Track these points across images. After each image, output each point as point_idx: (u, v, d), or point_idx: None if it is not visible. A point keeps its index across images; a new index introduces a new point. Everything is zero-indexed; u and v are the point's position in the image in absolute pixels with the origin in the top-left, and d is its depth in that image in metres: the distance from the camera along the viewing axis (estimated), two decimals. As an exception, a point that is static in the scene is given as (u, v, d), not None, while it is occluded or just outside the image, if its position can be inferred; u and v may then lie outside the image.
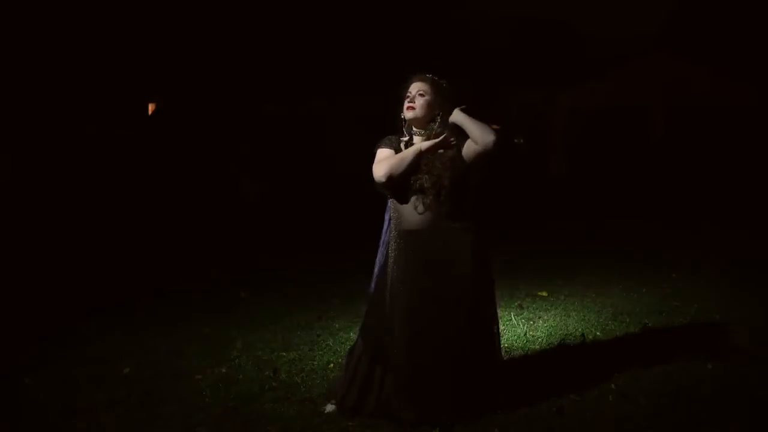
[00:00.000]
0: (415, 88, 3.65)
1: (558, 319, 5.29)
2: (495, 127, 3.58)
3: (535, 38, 22.14)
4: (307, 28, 15.24)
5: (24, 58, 12.44)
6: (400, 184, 3.60)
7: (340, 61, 15.64)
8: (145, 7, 13.82)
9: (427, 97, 3.62)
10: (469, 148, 3.55)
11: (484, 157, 3.52)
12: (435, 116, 3.64)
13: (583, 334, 4.88)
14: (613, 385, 3.88)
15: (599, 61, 19.30)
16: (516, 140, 18.21)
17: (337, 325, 5.24)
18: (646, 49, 17.99)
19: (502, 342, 4.69)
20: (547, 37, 22.30)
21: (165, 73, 14.55)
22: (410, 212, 3.62)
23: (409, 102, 3.64)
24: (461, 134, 3.58)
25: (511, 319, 5.24)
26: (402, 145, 3.69)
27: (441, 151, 3.61)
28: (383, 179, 3.58)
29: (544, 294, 6.04)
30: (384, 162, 3.62)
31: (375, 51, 16.44)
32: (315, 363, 4.41)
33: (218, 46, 14.39)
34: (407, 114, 3.64)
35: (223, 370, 4.30)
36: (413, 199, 3.61)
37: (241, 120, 14.73)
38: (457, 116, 3.58)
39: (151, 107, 15.39)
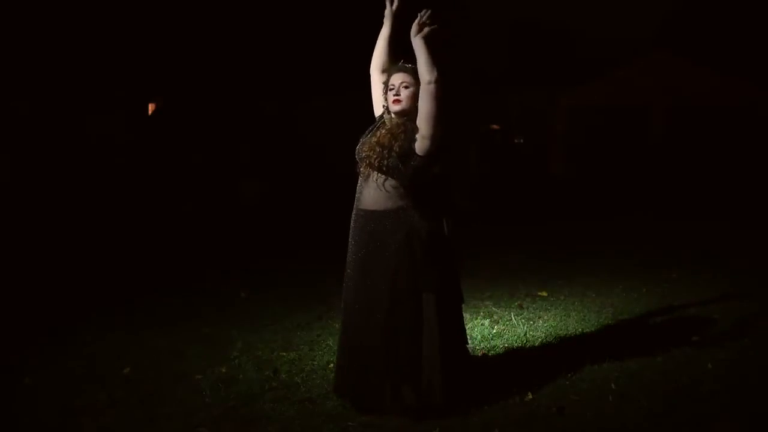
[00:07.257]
0: (398, 80, 3.57)
1: (558, 319, 5.29)
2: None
3: (535, 38, 22.15)
4: (305, 28, 15.24)
5: (23, 57, 12.44)
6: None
7: (338, 61, 15.64)
8: (145, 7, 13.81)
9: (411, 88, 3.54)
10: (419, 102, 3.45)
11: (426, 100, 3.39)
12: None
13: (583, 334, 4.88)
14: (613, 385, 3.89)
15: (599, 61, 19.32)
16: (516, 140, 18.24)
17: (337, 325, 5.21)
18: (646, 49, 18.00)
19: (503, 342, 4.71)
20: (547, 38, 22.32)
21: (165, 73, 14.53)
22: (360, 188, 3.62)
23: (395, 95, 3.56)
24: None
25: (511, 319, 5.24)
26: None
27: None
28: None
29: (544, 294, 6.04)
30: None
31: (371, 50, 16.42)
32: (315, 363, 4.41)
33: (218, 46, 14.38)
34: (394, 107, 3.57)
35: (223, 370, 4.29)
36: (361, 170, 3.59)
37: (241, 119, 14.73)
38: (416, 41, 3.44)
39: (151, 107, 15.37)
